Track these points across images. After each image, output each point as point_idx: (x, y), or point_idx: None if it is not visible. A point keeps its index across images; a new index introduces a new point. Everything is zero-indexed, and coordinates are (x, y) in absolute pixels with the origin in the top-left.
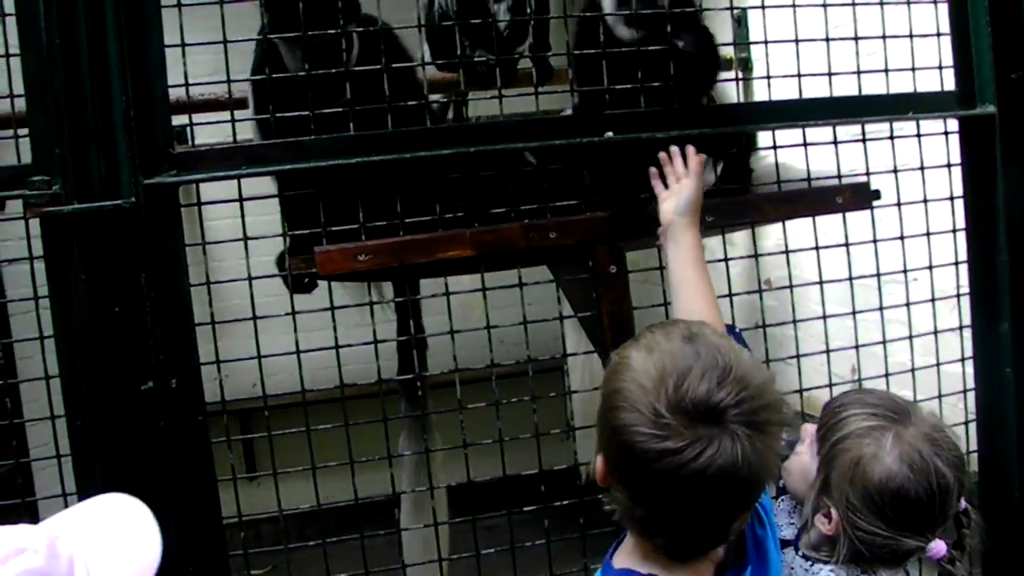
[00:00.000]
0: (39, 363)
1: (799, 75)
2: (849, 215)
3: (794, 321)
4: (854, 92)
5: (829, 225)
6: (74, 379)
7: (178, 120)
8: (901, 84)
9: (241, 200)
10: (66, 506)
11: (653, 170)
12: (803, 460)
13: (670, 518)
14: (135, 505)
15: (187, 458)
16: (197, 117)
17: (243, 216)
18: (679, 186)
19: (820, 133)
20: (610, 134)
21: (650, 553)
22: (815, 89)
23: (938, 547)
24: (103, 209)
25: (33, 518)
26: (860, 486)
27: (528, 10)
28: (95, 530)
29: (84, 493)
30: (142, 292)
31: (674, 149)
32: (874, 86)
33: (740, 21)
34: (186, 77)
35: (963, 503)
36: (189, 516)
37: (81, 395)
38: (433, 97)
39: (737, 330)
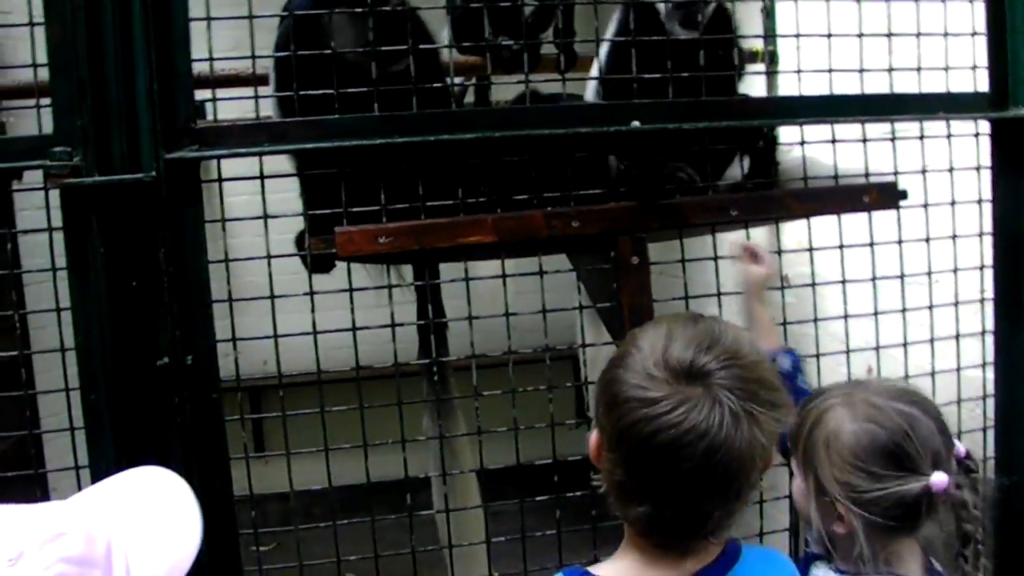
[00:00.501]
0: (53, 333)
1: (830, 70)
2: (874, 214)
3: (815, 320)
4: (884, 89)
5: (851, 223)
6: (90, 352)
7: (198, 95)
8: (933, 83)
9: (262, 177)
10: (77, 479)
11: (746, 245)
12: (798, 483)
13: (647, 481)
14: (174, 481)
15: (200, 435)
16: (218, 93)
17: (263, 194)
18: (762, 265)
19: (849, 130)
20: (636, 123)
21: (634, 541)
22: (842, 85)
23: (940, 479)
24: (123, 182)
25: (43, 489)
26: (839, 461)
27: None
28: (133, 511)
29: (96, 466)
30: (160, 267)
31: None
32: (905, 84)
33: (768, 13)
34: (210, 52)
35: (960, 448)
36: (200, 493)
37: (96, 368)
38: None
39: (795, 353)
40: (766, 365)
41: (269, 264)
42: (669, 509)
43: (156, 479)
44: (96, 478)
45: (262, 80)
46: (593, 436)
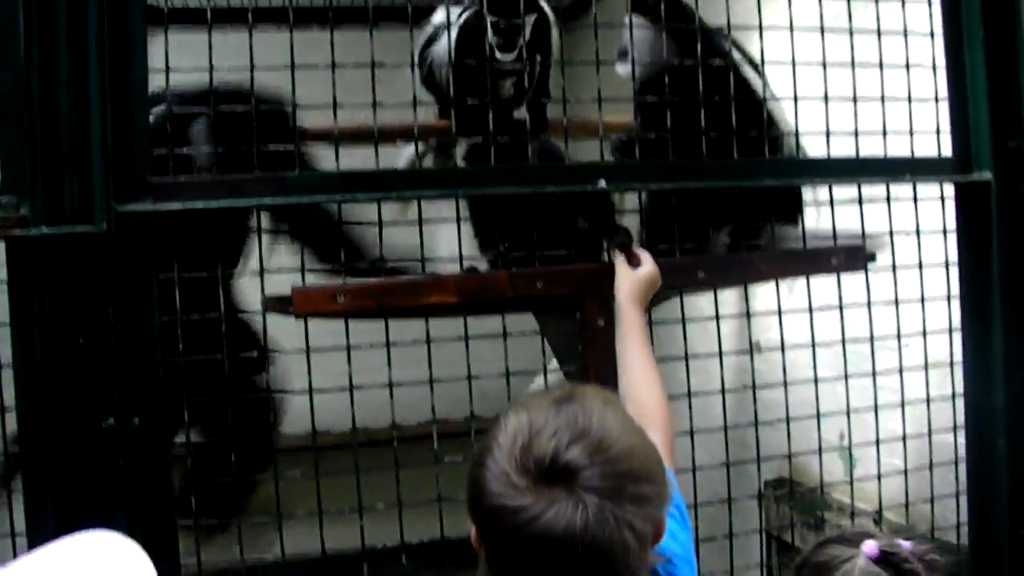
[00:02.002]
0: None
1: (796, 133)
2: (843, 278)
3: (784, 384)
4: (850, 153)
5: (820, 287)
6: (31, 412)
7: None
8: (898, 147)
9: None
10: (14, 547)
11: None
12: None
13: None
14: (128, 547)
15: (146, 501)
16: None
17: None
18: (641, 268)
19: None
20: (603, 183)
21: None
22: (808, 148)
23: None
24: (73, 235)
25: None
26: None
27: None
28: None
29: (33, 532)
30: (109, 324)
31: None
32: (871, 148)
33: None
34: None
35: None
36: None
37: (37, 429)
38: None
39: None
40: (637, 450)
41: (223, 323)
42: None
43: (108, 544)
44: (33, 545)
45: None
46: (473, 530)
